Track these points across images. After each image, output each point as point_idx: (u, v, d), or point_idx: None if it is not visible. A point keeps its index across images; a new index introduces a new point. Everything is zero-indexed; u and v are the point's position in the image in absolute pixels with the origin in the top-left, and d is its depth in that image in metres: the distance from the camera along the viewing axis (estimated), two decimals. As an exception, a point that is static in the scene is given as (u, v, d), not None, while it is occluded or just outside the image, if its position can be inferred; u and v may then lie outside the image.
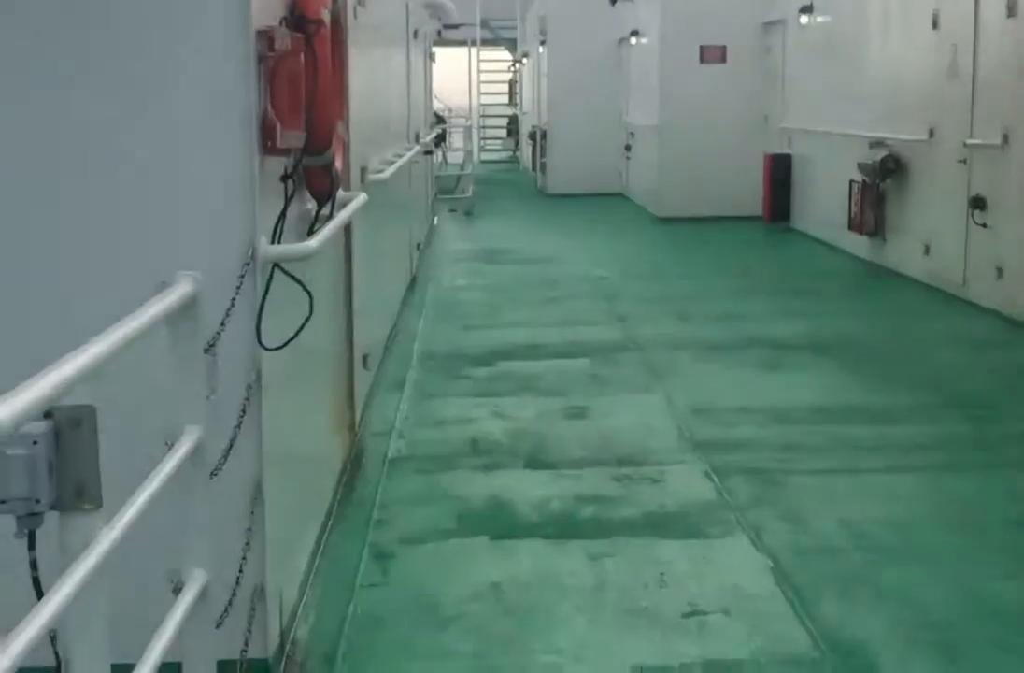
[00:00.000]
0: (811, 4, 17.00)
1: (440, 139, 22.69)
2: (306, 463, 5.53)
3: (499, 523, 6.09)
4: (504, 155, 37.46)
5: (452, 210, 22.26)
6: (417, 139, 13.71)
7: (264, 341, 4.05)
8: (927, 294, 12.59)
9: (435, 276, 14.64)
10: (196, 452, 3.07)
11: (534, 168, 27.22)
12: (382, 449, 7.34)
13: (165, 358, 3.11)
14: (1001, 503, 6.36)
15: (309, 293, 4.49)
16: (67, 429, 2.31)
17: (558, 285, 13.72)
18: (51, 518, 2.31)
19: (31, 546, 2.30)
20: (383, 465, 7.03)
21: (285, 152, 4.24)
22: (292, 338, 4.36)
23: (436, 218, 20.35)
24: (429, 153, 16.90)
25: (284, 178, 4.36)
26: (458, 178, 24.35)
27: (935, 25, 12.53)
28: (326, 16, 4.52)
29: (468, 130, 25.82)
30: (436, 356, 10.07)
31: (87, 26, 3.85)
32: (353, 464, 6.91)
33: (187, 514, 3.12)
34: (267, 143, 4.04)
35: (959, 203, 11.94)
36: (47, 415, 2.29)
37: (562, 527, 6.02)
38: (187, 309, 3.07)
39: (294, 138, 4.18)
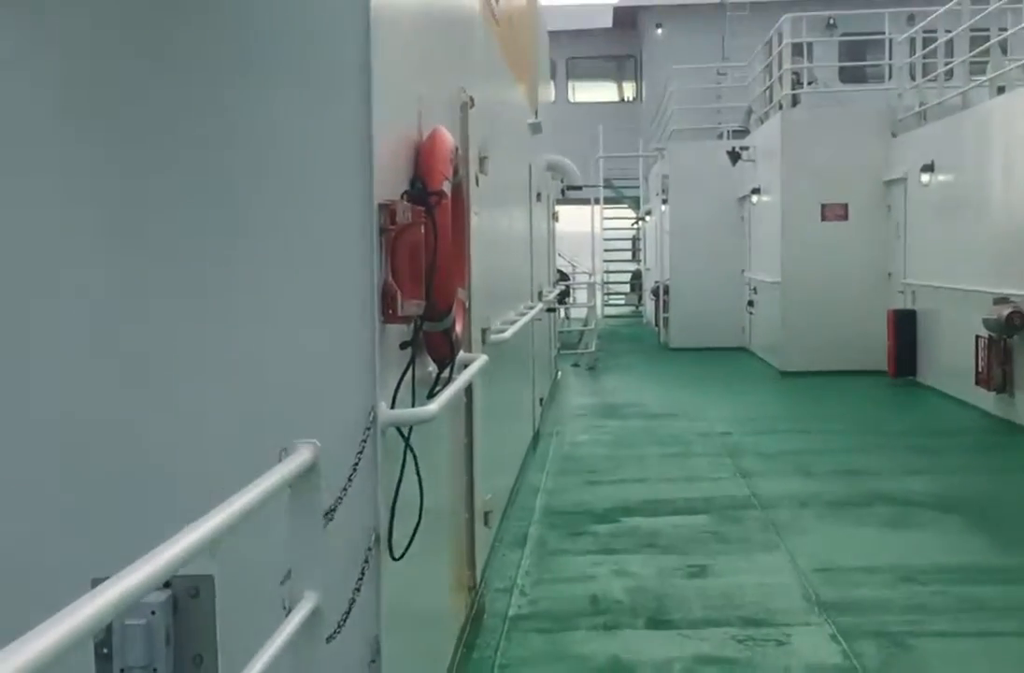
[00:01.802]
0: (932, 163, 17.07)
1: (564, 295, 22.95)
2: (425, 624, 5.53)
3: (620, 685, 6.02)
4: (628, 310, 37.70)
5: (575, 365, 22.37)
6: (540, 297, 13.90)
7: (384, 508, 4.12)
8: (1059, 450, 12.33)
9: (558, 431, 14.68)
10: (313, 618, 3.12)
11: (657, 323, 27.33)
12: (503, 607, 7.31)
13: (284, 524, 3.18)
14: None
15: (419, 473, 4.55)
16: (185, 598, 2.37)
17: (680, 440, 13.68)
18: (169, 688, 2.36)
19: (149, 716, 2.35)
20: (503, 624, 6.99)
21: (406, 320, 4.35)
22: (409, 544, 4.43)
23: (559, 373, 20.47)
24: (552, 310, 17.09)
25: (404, 345, 4.47)
26: (581, 333, 24.53)
27: (1057, 180, 12.51)
28: (447, 187, 4.68)
29: (591, 286, 26.04)
30: (558, 512, 10.06)
31: (218, 202, 4.03)
32: (473, 623, 6.88)
33: (303, 679, 3.14)
34: (388, 312, 4.15)
35: (1088, 357, 11.75)
36: (166, 584, 2.35)
37: (683, 691, 5.93)
38: (307, 476, 3.14)
39: (414, 306, 4.29)
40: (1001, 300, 13.88)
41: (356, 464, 3.94)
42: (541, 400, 15.03)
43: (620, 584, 7.79)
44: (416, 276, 4.29)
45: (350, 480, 3.88)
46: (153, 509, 3.79)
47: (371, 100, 4.03)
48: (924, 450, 12.79)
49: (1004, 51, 16.21)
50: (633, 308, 37.35)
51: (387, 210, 4.15)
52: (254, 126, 4.04)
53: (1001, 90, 15.59)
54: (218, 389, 4.03)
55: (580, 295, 28.80)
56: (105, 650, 2.33)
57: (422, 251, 4.32)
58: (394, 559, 4.28)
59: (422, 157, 4.74)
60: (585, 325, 24.53)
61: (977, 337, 14.58)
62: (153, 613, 2.32)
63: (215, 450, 3.99)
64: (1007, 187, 14.41)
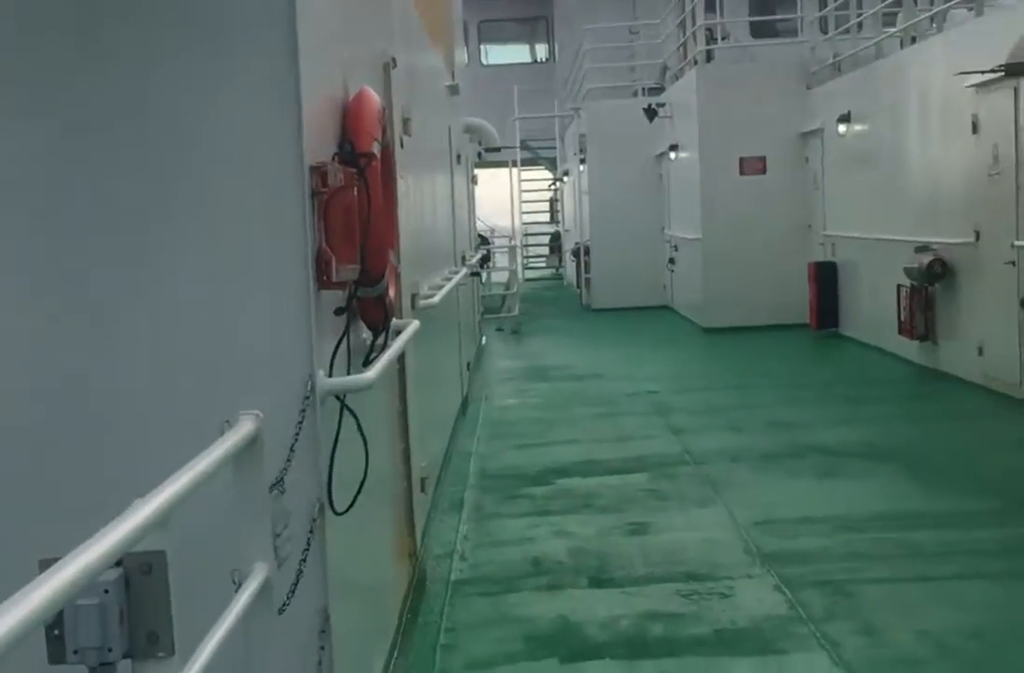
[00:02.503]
0: (848, 113, 17.16)
1: (485, 260, 22.88)
2: (371, 592, 5.48)
3: (567, 644, 6.01)
4: (548, 272, 37.71)
5: (499, 329, 22.35)
6: (463, 261, 13.83)
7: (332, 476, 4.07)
8: (983, 396, 12.48)
9: (486, 395, 14.66)
10: (264, 589, 3.05)
11: (578, 284, 27.34)
12: (444, 573, 7.28)
13: (229, 497, 3.11)
14: (1078, 609, 6.23)
15: (363, 436, 4.50)
16: (138, 576, 2.30)
17: (609, 400, 13.70)
18: (124, 667, 2.29)
19: (106, 696, 2.28)
20: (446, 589, 6.97)
21: (341, 286, 4.27)
22: (354, 500, 4.39)
23: (484, 338, 20.43)
24: (476, 275, 17.02)
25: (339, 311, 4.39)
26: (503, 297, 24.50)
27: (975, 129, 12.60)
28: (377, 148, 4.60)
29: (512, 249, 26.01)
30: (492, 476, 10.05)
31: (144, 170, 3.92)
32: (416, 589, 6.85)
33: (256, 652, 3.08)
34: (323, 278, 4.07)
35: (1010, 304, 11.88)
36: (118, 563, 2.28)
37: (632, 647, 5.93)
38: (250, 447, 3.07)
39: (349, 271, 4.21)
40: (922, 248, 14.00)
41: (297, 434, 3.87)
42: (468, 365, 14.99)
43: (560, 545, 7.78)
44: (350, 240, 4.20)
45: (292, 450, 3.81)
46: (96, 486, 3.70)
47: (298, 60, 3.93)
48: (852, 400, 12.92)
49: (915, 1, 16.28)
50: (554, 270, 37.37)
51: (318, 172, 4.06)
52: (180, 92, 3.93)
53: (913, 40, 15.67)
54: (156, 362, 3.93)
55: (501, 259, 28.75)
56: (57, 632, 2.26)
57: (355, 215, 4.23)
58: (336, 513, 4.19)
59: (350, 118, 4.65)
60: (507, 289, 24.50)
61: (899, 286, 14.71)
62: (106, 592, 2.24)
63: (155, 424, 3.90)
64: (923, 135, 14.52)
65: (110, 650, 2.25)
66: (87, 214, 3.91)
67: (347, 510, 4.30)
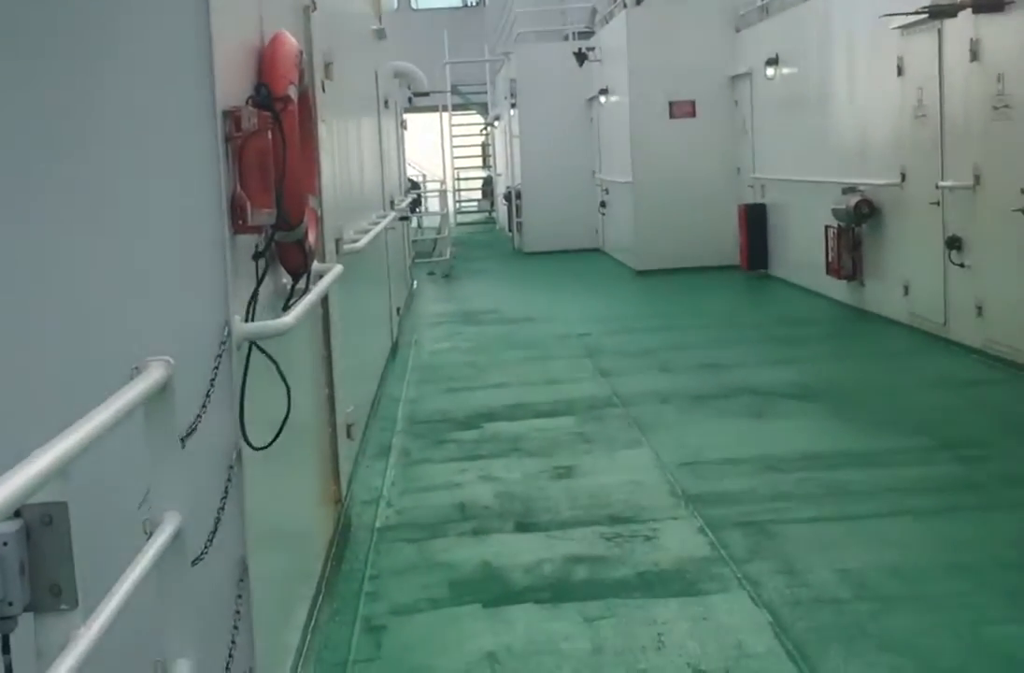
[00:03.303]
0: (776, 56, 17.15)
1: (415, 204, 22.76)
2: (293, 539, 5.47)
3: (491, 589, 6.03)
4: (480, 217, 37.61)
5: (431, 273, 22.29)
6: (392, 206, 13.74)
7: (245, 423, 4.02)
8: (909, 335, 12.60)
9: (416, 340, 14.63)
10: (177, 539, 3.02)
11: (511, 228, 27.32)
12: (370, 519, 7.29)
13: (140, 445, 3.07)
14: (998, 546, 6.31)
15: (285, 381, 4.47)
16: (38, 527, 2.26)
17: (539, 344, 13.72)
18: (26, 620, 2.26)
19: (5, 650, 2.23)
20: (371, 535, 6.97)
21: (257, 230, 4.22)
22: (275, 438, 4.37)
23: (415, 282, 20.37)
24: (405, 219, 16.93)
25: (256, 256, 4.34)
26: (435, 241, 24.42)
27: (900, 71, 12.64)
28: (293, 92, 4.53)
29: (443, 194, 25.90)
30: (420, 421, 10.04)
31: (51, 114, 3.83)
32: (341, 536, 6.84)
33: (170, 603, 3.06)
34: (237, 222, 4.02)
35: (935, 244, 11.98)
36: (17, 514, 2.24)
37: (556, 590, 5.96)
38: (161, 394, 3.03)
39: (265, 216, 4.16)
40: (849, 189, 14.07)
41: (213, 380, 3.83)
42: (398, 310, 14.94)
43: (486, 490, 7.80)
44: (265, 184, 4.15)
45: (208, 396, 3.77)
46: (2, 434, 3.64)
47: (208, 3, 3.85)
48: (781, 341, 13.01)
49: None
50: (486, 215, 37.28)
51: (232, 117, 4.01)
52: (89, 33, 3.83)
53: (841, -18, 15.65)
54: (64, 306, 3.86)
55: (432, 203, 28.61)
56: (-44, 585, 2.22)
57: (270, 159, 4.18)
58: (254, 448, 4.16)
59: (265, 62, 4.58)
60: (439, 233, 24.40)
61: (826, 227, 14.79)
62: (4, 544, 2.20)
63: (63, 371, 3.84)
64: (850, 78, 14.54)
65: (10, 604, 2.21)
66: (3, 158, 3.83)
67: (265, 446, 4.27)
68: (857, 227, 14.11)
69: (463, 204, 38.16)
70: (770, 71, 17.42)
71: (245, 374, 4.11)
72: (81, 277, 3.87)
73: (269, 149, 4.20)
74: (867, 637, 5.20)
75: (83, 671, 2.25)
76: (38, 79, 3.81)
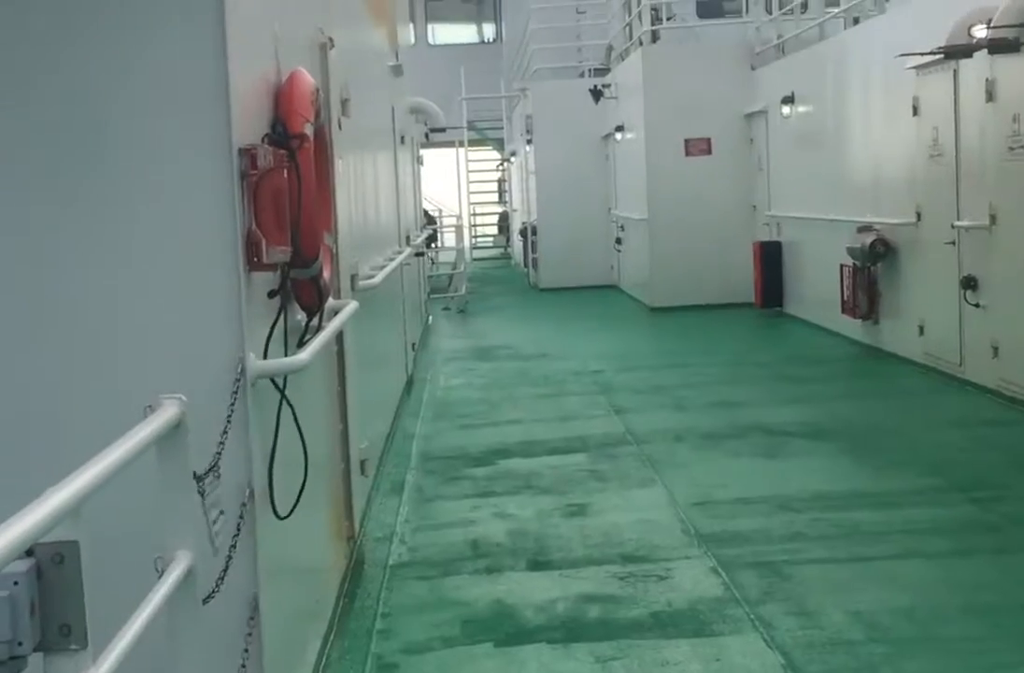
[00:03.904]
0: (792, 94, 17.20)
1: (431, 239, 22.81)
2: (305, 577, 5.46)
3: (504, 628, 6.00)
4: (496, 252, 37.66)
5: (446, 308, 22.31)
6: (408, 241, 13.78)
7: (259, 462, 4.03)
8: (924, 375, 12.57)
9: (431, 376, 14.62)
10: (187, 578, 3.02)
11: (526, 264, 27.34)
12: (383, 556, 7.26)
13: (152, 483, 3.07)
14: (1013, 588, 6.27)
15: (297, 421, 4.47)
16: (50, 567, 2.26)
17: (553, 380, 13.70)
18: (36, 660, 2.25)
19: (16, 690, 2.24)
20: (384, 573, 6.95)
21: (272, 267, 4.24)
22: (299, 498, 4.39)
23: (430, 317, 20.39)
24: (421, 255, 16.96)
25: (272, 294, 4.36)
26: (451, 277, 24.45)
27: (916, 111, 12.66)
28: (309, 130, 4.56)
29: (459, 229, 25.92)
30: (434, 457, 10.02)
31: (67, 150, 3.86)
32: (354, 573, 6.82)
33: (180, 642, 3.05)
34: (252, 259, 4.04)
35: (951, 284, 11.95)
36: (29, 552, 2.24)
37: (568, 630, 5.93)
38: (174, 433, 3.03)
39: (280, 253, 4.18)
40: (864, 228, 14.06)
41: (229, 416, 3.83)
42: (413, 345, 14.96)
43: (500, 527, 7.78)
44: (281, 222, 4.17)
45: (225, 433, 3.77)
46: (11, 473, 3.65)
47: (226, 40, 3.88)
48: (795, 379, 12.97)
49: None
50: (501, 250, 37.32)
51: (248, 154, 4.03)
52: (105, 71, 3.87)
53: (856, 21, 15.72)
54: (78, 343, 3.88)
55: (448, 238, 28.67)
56: (-34, 625, 2.22)
57: (286, 196, 4.20)
58: (279, 518, 4.19)
59: (282, 99, 4.61)
60: (454, 268, 24.44)
61: (842, 266, 14.77)
62: (15, 584, 2.20)
63: (76, 408, 3.85)
64: (865, 117, 14.57)
65: (20, 644, 2.21)
66: (11, 193, 3.85)
67: (290, 513, 4.30)
68: (872, 266, 14.09)
69: (479, 239, 38.23)
70: (786, 109, 17.46)
71: (281, 412, 4.12)
72: (95, 314, 3.88)
73: (285, 187, 4.22)
74: (881, 680, 5.16)
75: (92, 712, 2.25)
76: (55, 114, 3.84)
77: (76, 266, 3.87)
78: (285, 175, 4.23)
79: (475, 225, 36.98)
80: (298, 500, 4.42)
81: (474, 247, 36.26)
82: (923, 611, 5.96)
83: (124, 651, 2.43)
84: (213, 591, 3.55)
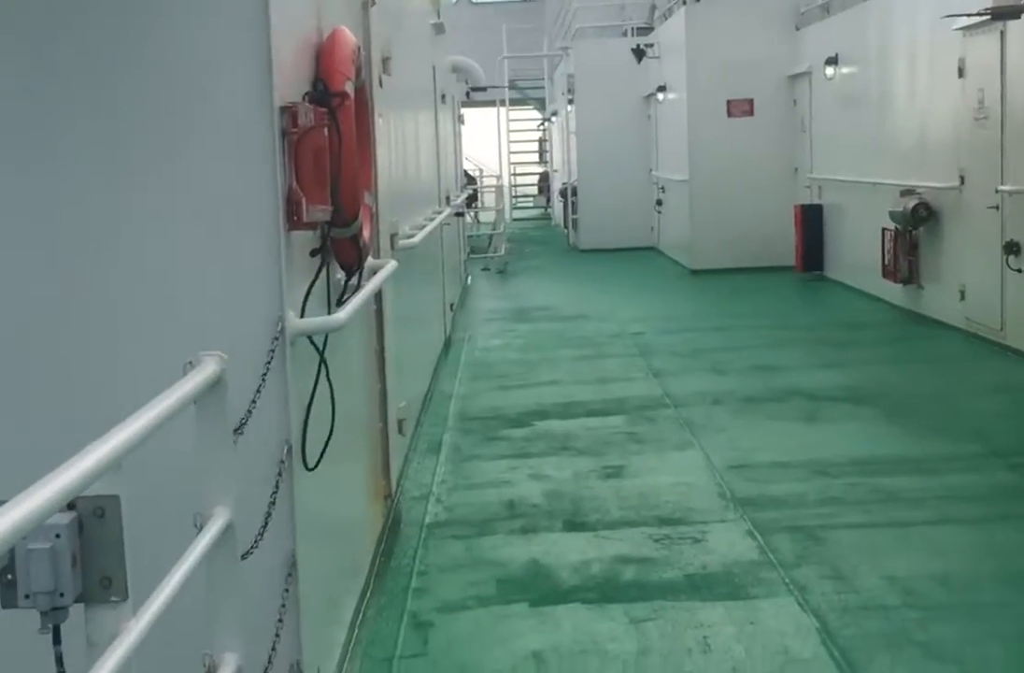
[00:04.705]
0: (836, 56, 17.04)
1: (471, 199, 22.78)
2: (342, 534, 5.49)
3: (539, 588, 6.03)
4: (536, 213, 37.60)
5: (485, 269, 22.31)
6: (448, 201, 13.76)
7: (296, 419, 4.06)
8: (964, 340, 12.50)
9: (469, 336, 14.64)
10: (226, 533, 3.05)
11: (566, 225, 27.30)
12: (419, 515, 7.30)
13: (191, 439, 3.09)
14: (1049, 555, 6.26)
15: (329, 380, 4.49)
16: (91, 520, 2.29)
17: (592, 342, 13.70)
18: (77, 611, 2.28)
19: (56, 641, 2.27)
20: (420, 532, 6.99)
21: (312, 226, 4.24)
22: (323, 453, 4.40)
23: (469, 278, 20.40)
24: (460, 215, 16.95)
25: (314, 252, 4.37)
26: (490, 237, 24.42)
27: (961, 73, 12.52)
28: (350, 88, 4.54)
29: (499, 189, 25.90)
30: (472, 417, 10.05)
31: (110, 109, 3.87)
32: (391, 531, 6.86)
33: (218, 597, 3.08)
34: (293, 218, 4.04)
35: (993, 249, 11.86)
36: (70, 506, 2.27)
37: (603, 591, 5.95)
38: (213, 389, 3.05)
39: (320, 212, 4.18)
40: (907, 192, 13.95)
41: (264, 375, 3.85)
42: (452, 305, 14.97)
43: (536, 488, 7.80)
44: (321, 181, 4.16)
45: (259, 391, 3.79)
46: (55, 428, 3.69)
47: (268, -1, 3.88)
48: (835, 344, 12.92)
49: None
50: (541, 210, 37.26)
51: (289, 112, 4.02)
52: (147, 31, 3.86)
53: (904, -18, 15.53)
54: (120, 300, 3.90)
55: (488, 198, 28.62)
56: (9, 576, 2.25)
57: (326, 155, 4.19)
58: (307, 469, 4.22)
59: (323, 57, 4.59)
60: (494, 229, 24.42)
61: (883, 230, 14.67)
62: (58, 536, 2.23)
63: (120, 365, 3.87)
64: (909, 79, 14.43)
65: (62, 595, 2.24)
66: (54, 152, 3.86)
67: (316, 465, 4.32)
68: (914, 230, 13.99)
69: (519, 200, 38.16)
70: (830, 70, 17.31)
71: (319, 370, 4.14)
72: (136, 271, 3.90)
73: (325, 145, 4.21)
74: (914, 645, 5.16)
75: (132, 662, 2.27)
76: (99, 74, 3.84)
77: (119, 224, 3.88)
78: (326, 133, 4.22)
79: (515, 185, 36.89)
80: (323, 452, 4.42)
81: (514, 207, 36.21)
82: (958, 577, 5.95)
83: (163, 604, 2.46)
84: (252, 547, 3.58)
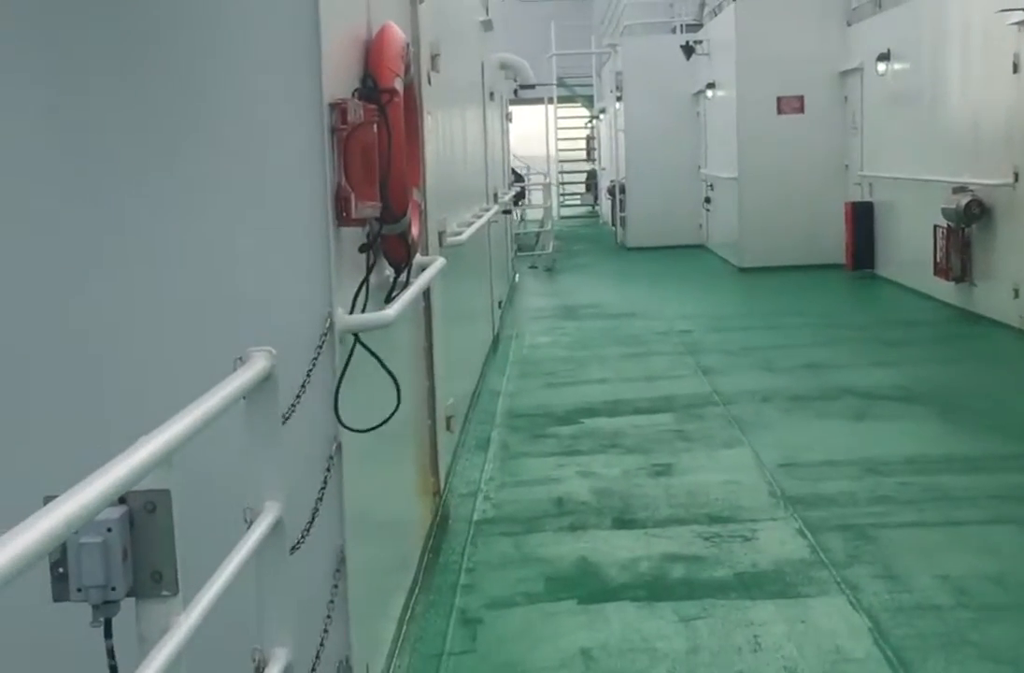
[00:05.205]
0: (888, 52, 16.91)
1: (519, 197, 22.77)
2: (391, 530, 5.49)
3: (587, 585, 6.02)
4: (583, 210, 37.55)
5: (532, 267, 22.30)
6: (495, 199, 13.76)
7: (344, 414, 4.04)
8: (1018, 338, 12.37)
9: (517, 333, 14.63)
10: (276, 528, 3.04)
11: (613, 222, 27.26)
12: (467, 512, 7.29)
13: (242, 434, 3.09)
14: (1104, 556, 6.18)
15: (390, 372, 4.49)
16: (142, 514, 2.29)
17: (640, 340, 13.66)
18: (128, 605, 2.28)
19: (108, 634, 2.27)
20: (469, 528, 6.98)
21: (361, 222, 4.24)
22: (380, 424, 4.40)
23: (517, 275, 20.39)
24: (508, 212, 16.94)
25: (363, 248, 4.37)
26: (537, 235, 24.41)
27: (1016, 68, 12.39)
28: (399, 85, 4.54)
29: (547, 187, 25.90)
30: (520, 415, 10.04)
31: (161, 107, 3.88)
32: (439, 528, 6.87)
33: (268, 592, 3.08)
34: (342, 214, 4.04)
35: (1047, 246, 11.74)
36: (122, 500, 2.27)
37: (652, 589, 5.93)
38: (263, 384, 3.05)
39: (369, 209, 4.18)
40: (959, 189, 13.83)
41: (311, 371, 3.85)
42: (500, 303, 14.97)
43: (585, 485, 7.78)
44: (370, 177, 4.16)
45: (303, 387, 3.79)
46: (106, 423, 3.70)
47: (318, -6, 3.88)
48: (886, 342, 12.82)
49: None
50: (589, 208, 37.21)
51: (338, 109, 4.02)
52: (198, 27, 3.87)
53: (956, -23, 15.39)
54: (172, 297, 3.91)
55: (536, 196, 28.60)
56: (61, 569, 2.25)
57: (375, 151, 4.19)
58: (356, 430, 4.20)
59: (372, 54, 4.59)
60: (541, 226, 24.40)
61: (935, 227, 14.55)
62: (109, 530, 2.23)
63: (169, 360, 3.89)
64: (963, 75, 14.30)
65: (113, 589, 2.24)
66: (106, 149, 3.87)
67: (368, 429, 4.30)
68: (967, 227, 13.87)
69: (566, 198, 38.12)
70: (881, 67, 17.18)
71: (346, 367, 4.13)
72: (187, 267, 3.91)
73: (374, 142, 4.21)
74: (968, 645, 5.10)
75: (183, 656, 2.27)
76: (150, 70, 3.85)
77: (170, 219, 3.89)
78: (375, 130, 4.22)
79: (563, 183, 36.86)
80: (384, 422, 4.41)
81: (561, 205, 36.17)
82: (1012, 577, 5.88)
83: (213, 599, 2.46)
84: (299, 541, 3.57)
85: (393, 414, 4.53)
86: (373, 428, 4.34)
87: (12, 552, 1.68)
